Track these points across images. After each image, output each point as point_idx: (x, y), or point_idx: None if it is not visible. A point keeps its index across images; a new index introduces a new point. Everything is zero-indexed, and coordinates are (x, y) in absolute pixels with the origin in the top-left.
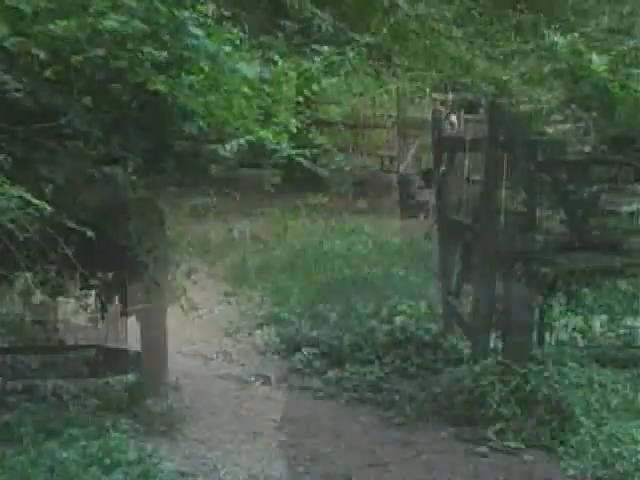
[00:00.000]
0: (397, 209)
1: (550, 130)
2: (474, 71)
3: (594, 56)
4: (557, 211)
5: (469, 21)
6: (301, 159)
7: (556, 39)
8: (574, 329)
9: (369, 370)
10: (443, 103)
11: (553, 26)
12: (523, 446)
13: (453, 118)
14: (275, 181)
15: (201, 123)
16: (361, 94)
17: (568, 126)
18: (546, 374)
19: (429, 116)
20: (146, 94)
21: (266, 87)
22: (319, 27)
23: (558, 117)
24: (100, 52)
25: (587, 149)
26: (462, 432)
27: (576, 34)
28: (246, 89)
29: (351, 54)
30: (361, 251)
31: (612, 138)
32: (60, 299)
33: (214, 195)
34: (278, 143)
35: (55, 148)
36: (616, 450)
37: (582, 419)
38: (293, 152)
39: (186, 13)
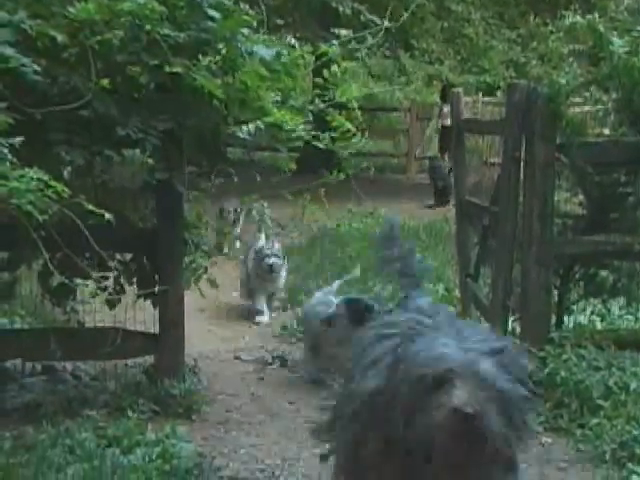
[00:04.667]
0: (414, 192)
1: (569, 112)
2: (492, 53)
3: (614, 37)
4: (575, 193)
5: (487, 3)
6: (318, 142)
7: (575, 20)
8: (592, 312)
9: None
10: (455, 85)
11: (572, 7)
12: (541, 429)
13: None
14: (291, 166)
15: (218, 105)
16: (379, 76)
17: (587, 108)
18: (564, 357)
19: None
20: (164, 76)
21: (283, 69)
22: (337, 9)
23: (577, 99)
24: (118, 34)
25: (606, 131)
26: None
27: (596, 15)
28: (263, 71)
29: (369, 37)
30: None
31: (632, 120)
32: (78, 281)
33: (234, 177)
34: (295, 126)
35: (73, 130)
36: (635, 432)
37: (600, 402)
38: (310, 135)
39: None
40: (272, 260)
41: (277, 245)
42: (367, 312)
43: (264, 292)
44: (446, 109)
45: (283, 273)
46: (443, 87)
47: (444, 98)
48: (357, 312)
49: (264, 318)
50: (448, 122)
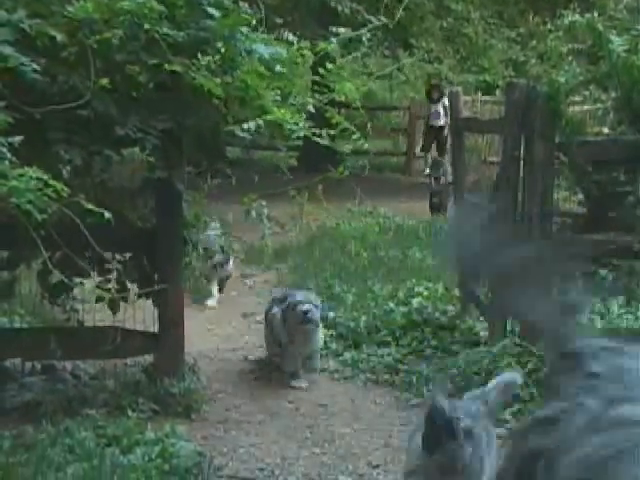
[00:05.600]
0: (413, 191)
1: (569, 111)
2: (492, 52)
3: (613, 36)
4: (575, 192)
5: (487, 2)
6: (318, 139)
7: (574, 19)
8: (592, 311)
9: (386, 352)
10: (442, 85)
11: (572, 6)
12: None
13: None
14: (291, 163)
15: (218, 104)
16: (378, 77)
17: (587, 106)
18: None
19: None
20: (163, 75)
21: (282, 67)
22: (336, 9)
23: (577, 98)
24: (117, 33)
25: (605, 130)
26: None
27: (595, 13)
28: (262, 69)
29: (367, 35)
30: (378, 233)
31: (631, 118)
32: (77, 280)
33: (231, 176)
34: (296, 124)
35: (72, 129)
36: None
37: None
38: (310, 132)
39: None
40: (307, 306)
41: (313, 295)
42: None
43: (297, 351)
44: (434, 109)
45: (320, 333)
46: (430, 87)
47: (430, 98)
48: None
49: (302, 383)
50: (439, 122)
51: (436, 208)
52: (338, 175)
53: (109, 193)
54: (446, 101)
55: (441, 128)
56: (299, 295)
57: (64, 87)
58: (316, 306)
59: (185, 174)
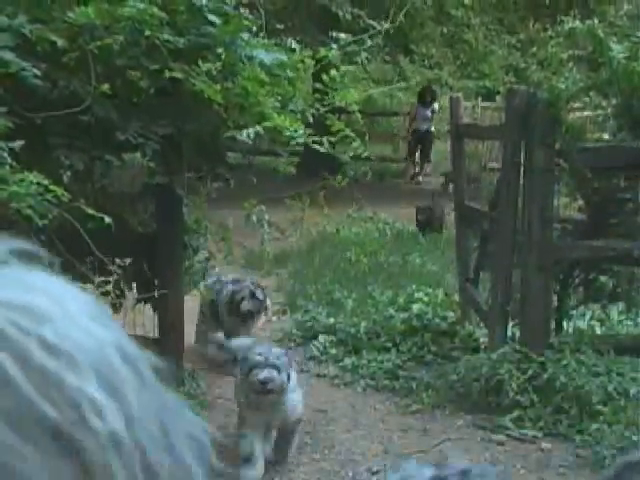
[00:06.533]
0: (413, 197)
1: (569, 117)
2: (492, 58)
3: (613, 42)
4: (575, 198)
5: (487, 8)
6: (318, 146)
7: (575, 25)
8: (592, 317)
9: (386, 358)
10: (433, 89)
11: (572, 12)
12: (540, 434)
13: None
14: (289, 172)
15: (218, 109)
16: (380, 84)
17: (587, 113)
18: (564, 362)
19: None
20: (163, 81)
21: (283, 74)
22: (337, 14)
23: (577, 104)
24: (118, 39)
25: (606, 136)
26: (479, 420)
27: (595, 20)
28: (263, 76)
29: (369, 41)
30: (378, 239)
31: (631, 125)
32: (79, 285)
33: (231, 181)
34: (295, 130)
35: (73, 134)
36: (634, 438)
37: (600, 407)
38: (310, 139)
39: (203, 0)
40: (265, 374)
41: (277, 350)
42: None
43: (258, 423)
44: (423, 113)
45: (294, 396)
46: (424, 89)
47: (423, 101)
48: None
49: (253, 473)
50: (425, 127)
51: (423, 225)
52: (337, 184)
53: (110, 198)
54: (436, 106)
55: (427, 132)
56: (257, 351)
57: (65, 92)
58: (277, 368)
59: (185, 179)
